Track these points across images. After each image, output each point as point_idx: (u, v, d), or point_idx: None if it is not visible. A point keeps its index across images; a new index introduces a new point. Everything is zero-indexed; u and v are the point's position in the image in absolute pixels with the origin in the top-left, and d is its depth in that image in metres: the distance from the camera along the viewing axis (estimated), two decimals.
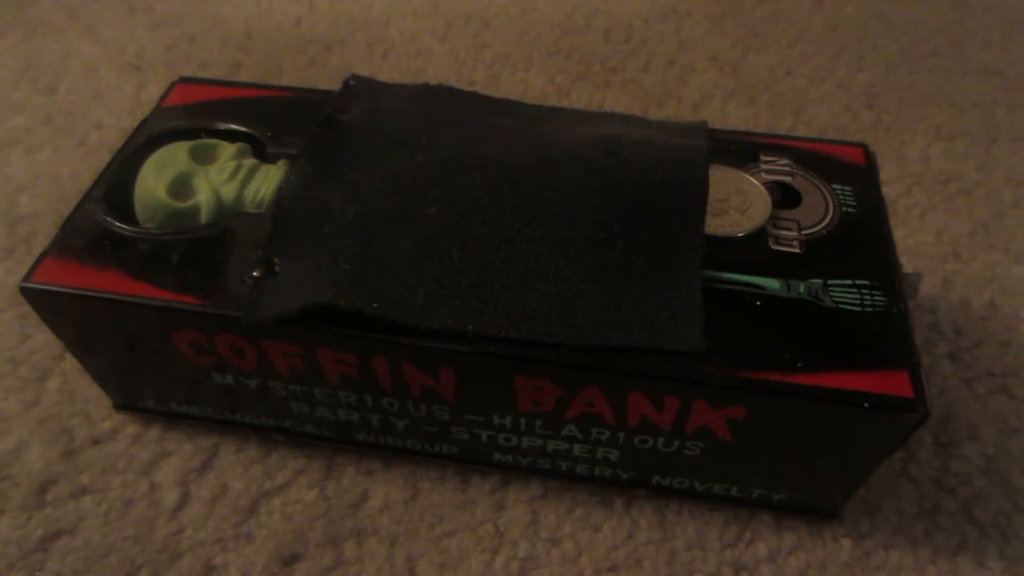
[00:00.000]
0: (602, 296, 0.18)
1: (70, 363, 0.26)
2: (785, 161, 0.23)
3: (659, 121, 0.23)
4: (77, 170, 0.33)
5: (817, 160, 0.23)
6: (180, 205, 0.21)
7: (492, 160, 0.20)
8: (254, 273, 0.19)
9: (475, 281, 0.18)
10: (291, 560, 0.22)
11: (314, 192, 0.20)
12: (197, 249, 0.20)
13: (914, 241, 0.30)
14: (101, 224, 0.21)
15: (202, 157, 0.22)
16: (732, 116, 0.36)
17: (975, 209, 0.31)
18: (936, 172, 0.33)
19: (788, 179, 0.22)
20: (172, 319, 0.19)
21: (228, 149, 0.22)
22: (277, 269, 0.19)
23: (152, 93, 0.37)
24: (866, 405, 0.17)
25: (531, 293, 0.18)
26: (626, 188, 0.20)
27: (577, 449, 0.21)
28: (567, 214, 0.19)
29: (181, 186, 0.21)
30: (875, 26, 0.41)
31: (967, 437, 0.24)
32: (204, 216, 0.21)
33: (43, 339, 0.27)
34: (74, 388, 0.25)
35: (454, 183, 0.20)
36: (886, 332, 0.18)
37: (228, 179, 0.22)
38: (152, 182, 0.21)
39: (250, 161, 0.22)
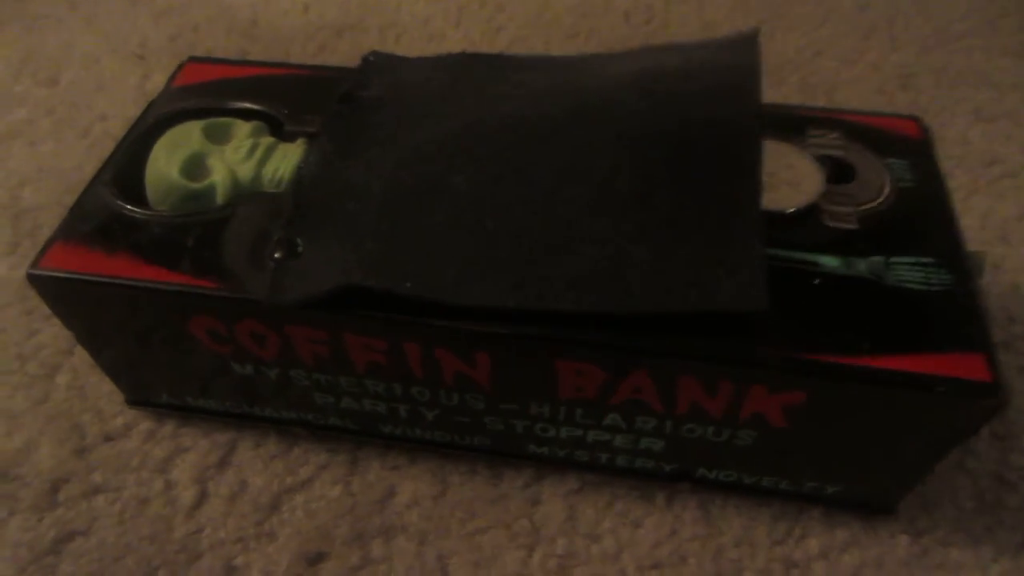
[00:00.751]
0: (652, 256, 0.16)
1: (80, 357, 0.25)
2: (836, 135, 0.21)
3: (700, 43, 0.20)
4: (81, 162, 0.32)
5: (868, 133, 0.21)
6: (194, 186, 0.20)
7: (520, 118, 0.19)
8: (275, 255, 0.18)
9: (512, 251, 0.17)
10: (316, 559, 0.20)
11: (336, 170, 0.19)
12: (214, 231, 0.19)
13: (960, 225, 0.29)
14: (111, 207, 0.20)
15: (216, 136, 0.21)
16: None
17: (1022, 191, 0.30)
18: (978, 154, 0.31)
19: (840, 153, 0.21)
20: (188, 305, 0.18)
21: (244, 128, 0.21)
22: (300, 250, 0.18)
23: (157, 83, 0.36)
24: (940, 390, 0.16)
25: (574, 259, 0.17)
26: (667, 130, 0.18)
27: (619, 440, 0.20)
28: (606, 166, 0.17)
29: (195, 166, 0.20)
30: (906, 6, 0.40)
31: None
32: (220, 197, 0.20)
33: (51, 333, 0.26)
34: (84, 384, 0.24)
35: (481, 147, 0.19)
36: (956, 312, 0.17)
37: (245, 158, 0.20)
38: (164, 163, 0.20)
39: (267, 140, 0.21)
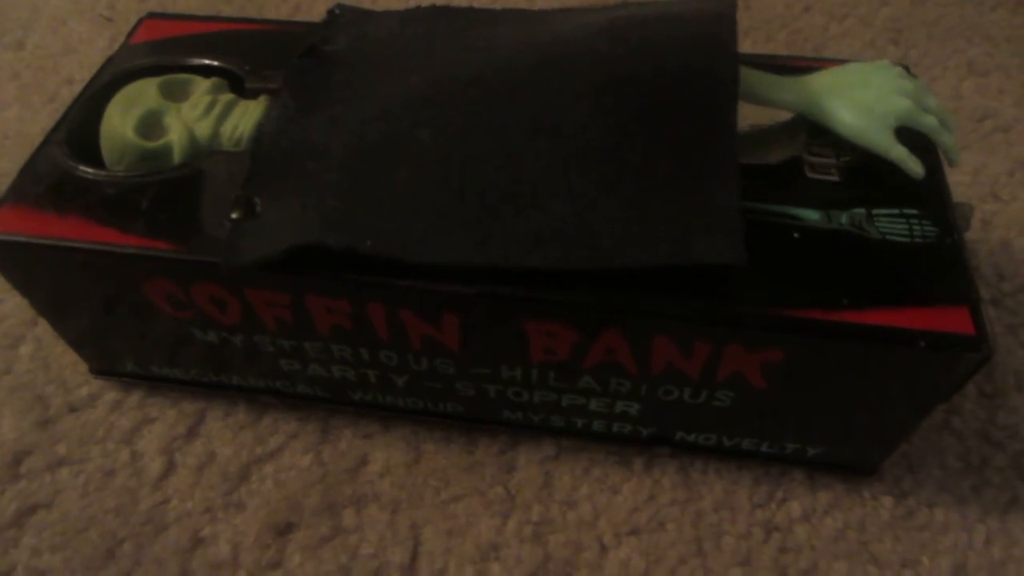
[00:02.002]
0: (624, 209, 0.16)
1: (44, 328, 0.24)
2: None
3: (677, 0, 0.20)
4: (46, 127, 0.31)
5: None
6: (150, 145, 0.19)
7: (488, 71, 0.18)
8: (233, 215, 0.17)
9: (479, 207, 0.16)
10: (285, 530, 0.20)
11: (297, 127, 0.18)
12: (170, 192, 0.18)
13: (949, 180, 0.28)
14: (64, 168, 0.19)
15: (174, 93, 0.20)
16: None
17: (1014, 147, 0.29)
18: (970, 109, 0.31)
19: None
20: (143, 268, 0.17)
21: (202, 84, 0.20)
22: (258, 209, 0.17)
23: None
24: (922, 344, 0.15)
25: (543, 215, 0.16)
26: (640, 79, 0.17)
27: (594, 403, 0.19)
28: (576, 119, 0.17)
29: (151, 124, 0.19)
30: None
31: (1014, 387, 0.23)
32: (177, 156, 0.19)
33: (14, 304, 0.25)
34: (48, 354, 0.24)
35: (447, 102, 0.18)
36: (940, 265, 0.17)
37: (202, 116, 0.19)
38: (119, 121, 0.19)
39: (227, 96, 0.20)
